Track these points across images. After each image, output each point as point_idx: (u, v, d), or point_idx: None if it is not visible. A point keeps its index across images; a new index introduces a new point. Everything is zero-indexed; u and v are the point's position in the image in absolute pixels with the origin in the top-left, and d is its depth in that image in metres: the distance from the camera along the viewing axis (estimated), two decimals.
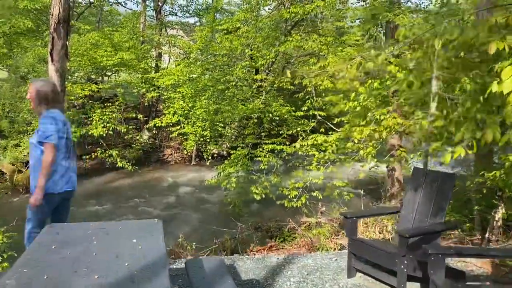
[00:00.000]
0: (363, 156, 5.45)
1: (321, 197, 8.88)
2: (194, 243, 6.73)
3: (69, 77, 15.36)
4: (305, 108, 9.78)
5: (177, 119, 12.87)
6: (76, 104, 14.37)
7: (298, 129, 10.46)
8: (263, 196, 9.27)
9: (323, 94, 11.69)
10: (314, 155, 8.54)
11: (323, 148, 6.81)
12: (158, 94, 14.01)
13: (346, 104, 4.50)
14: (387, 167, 7.39)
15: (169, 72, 13.50)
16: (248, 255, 5.34)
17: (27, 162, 12.00)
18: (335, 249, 5.29)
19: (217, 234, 7.96)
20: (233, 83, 10.97)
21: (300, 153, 9.20)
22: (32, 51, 13.20)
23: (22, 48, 14.88)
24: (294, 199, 8.87)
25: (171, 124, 13.87)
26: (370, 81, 3.55)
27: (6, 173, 11.97)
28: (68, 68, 13.67)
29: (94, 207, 10.12)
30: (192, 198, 10.83)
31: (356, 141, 5.21)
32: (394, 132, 5.32)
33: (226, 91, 11.25)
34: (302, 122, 10.30)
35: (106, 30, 14.35)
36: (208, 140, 13.01)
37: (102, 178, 13.24)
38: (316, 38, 9.84)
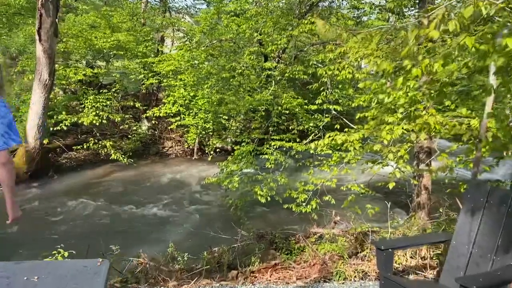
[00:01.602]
0: (394, 161, 4.50)
1: (334, 202, 7.98)
2: (186, 254, 5.87)
3: (68, 61, 14.56)
4: (318, 101, 8.83)
5: (177, 109, 11.98)
6: (68, 89, 13.57)
7: (310, 124, 9.54)
8: (269, 198, 8.39)
9: (340, 86, 10.74)
10: (330, 154, 7.62)
11: (344, 148, 5.86)
12: (157, 81, 13.11)
13: (390, 94, 3.53)
14: (413, 172, 6.41)
15: (169, 57, 12.58)
16: (247, 283, 4.44)
17: (14, 150, 11.21)
18: (355, 277, 4.37)
19: (214, 242, 7.08)
20: (239, 70, 10.03)
21: (311, 152, 8.29)
22: (22, 30, 12.35)
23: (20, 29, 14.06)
24: (303, 203, 8.02)
25: (172, 115, 13.00)
26: (427, 60, 2.63)
27: None
28: (62, 50, 12.84)
29: (78, 204, 9.31)
30: (190, 197, 9.96)
31: (385, 142, 4.25)
32: (433, 133, 4.36)
33: (231, 80, 10.32)
34: (315, 117, 9.35)
35: (104, 10, 13.44)
36: (211, 133, 12.11)
37: (94, 171, 12.44)
38: (334, 21, 8.89)
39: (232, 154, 9.78)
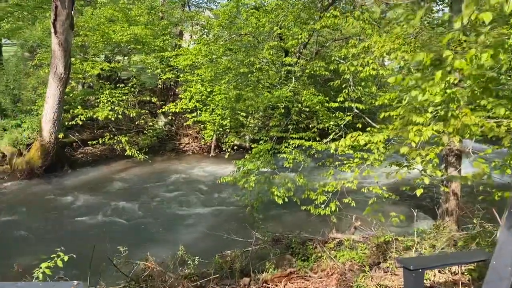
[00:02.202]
0: (422, 165, 4.11)
1: (354, 204, 7.60)
2: (197, 258, 5.62)
3: (86, 55, 14.52)
4: (340, 98, 8.44)
5: (194, 105, 11.75)
6: (85, 83, 13.54)
7: (331, 123, 9.15)
8: (286, 199, 8.07)
9: (363, 83, 10.31)
10: (351, 154, 7.25)
11: (366, 148, 5.49)
12: (174, 75, 12.91)
13: (425, 90, 3.14)
14: (442, 175, 5.97)
15: (186, 52, 12.35)
16: None
17: (29, 144, 11.21)
18: None
19: (227, 245, 6.83)
20: (258, 65, 9.71)
21: (332, 151, 7.93)
22: (40, 23, 12.32)
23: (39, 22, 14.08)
24: (322, 206, 7.67)
25: (189, 110, 12.80)
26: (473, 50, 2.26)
27: (6, 156, 11.22)
28: (80, 43, 12.77)
29: (90, 200, 9.20)
30: (205, 196, 9.73)
31: (413, 144, 3.87)
32: (467, 136, 3.96)
33: (249, 75, 10.01)
34: (336, 115, 8.96)
35: (122, 3, 13.31)
36: (228, 130, 11.85)
37: (109, 166, 12.36)
38: (358, 15, 8.46)
39: (249, 152, 9.49)
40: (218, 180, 8.42)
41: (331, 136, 9.01)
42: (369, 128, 7.66)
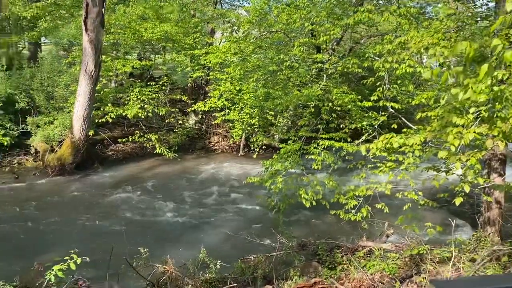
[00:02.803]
0: (462, 170, 3.72)
1: (387, 210, 7.19)
2: (218, 261, 5.43)
3: (117, 53, 14.69)
4: (374, 97, 8.02)
5: (222, 104, 11.60)
6: (117, 81, 13.67)
7: (364, 123, 8.73)
8: (314, 203, 7.71)
9: (399, 82, 9.82)
10: (385, 156, 6.85)
11: (401, 150, 5.12)
12: (203, 74, 12.82)
13: (468, 88, 2.75)
14: (484, 183, 5.51)
15: (215, 49, 12.21)
16: None
17: (61, 141, 11.41)
18: None
19: (250, 248, 6.61)
20: (288, 63, 9.41)
21: (363, 153, 7.57)
22: (74, 21, 12.53)
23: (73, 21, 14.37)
24: (353, 211, 7.31)
25: (218, 109, 12.67)
26: None
27: (39, 152, 11.46)
28: (112, 41, 12.89)
29: (117, 197, 9.21)
30: (231, 196, 9.55)
31: (453, 148, 3.50)
32: None
33: (278, 73, 9.73)
34: (370, 114, 8.54)
35: (153, 1, 13.33)
36: (256, 130, 11.62)
37: (139, 164, 12.42)
38: (395, 9, 8.02)
39: (278, 152, 9.20)
40: (245, 180, 8.19)
41: (363, 137, 8.60)
42: (405, 129, 7.23)
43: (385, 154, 7.35)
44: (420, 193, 6.78)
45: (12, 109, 11.50)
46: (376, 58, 9.28)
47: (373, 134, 8.60)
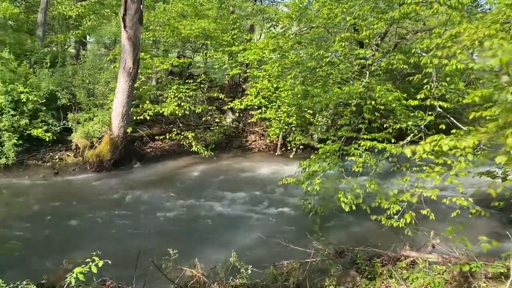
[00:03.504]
0: None
1: (433, 217, 6.67)
2: (250, 266, 5.18)
3: (157, 50, 14.81)
4: (421, 95, 7.49)
5: (259, 102, 11.35)
6: (157, 78, 13.75)
7: (409, 123, 8.21)
8: (353, 207, 7.29)
9: (447, 79, 9.20)
10: (433, 160, 6.35)
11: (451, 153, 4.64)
12: (240, 71, 12.62)
13: None
14: None
15: (253, 46, 11.98)
16: None
17: (101, 137, 11.58)
18: None
19: (283, 253, 6.31)
20: (328, 59, 9.01)
21: (409, 156, 7.07)
22: (115, 18, 12.70)
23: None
24: (395, 216, 6.85)
25: (255, 107, 12.46)
26: None
27: (80, 148, 11.70)
28: (152, 39, 12.96)
29: (151, 196, 9.19)
30: (266, 197, 9.30)
31: None
32: None
33: (318, 70, 9.35)
34: (416, 114, 8.00)
35: None
36: (294, 129, 11.28)
37: (176, 161, 12.42)
38: (444, 0, 7.44)
39: (316, 152, 8.83)
40: (280, 181, 7.88)
41: (408, 138, 8.07)
42: (454, 130, 6.68)
43: (432, 157, 6.84)
44: (470, 199, 6.24)
45: (54, 105, 11.79)
46: (423, 54, 8.71)
47: (419, 135, 8.06)
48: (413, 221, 6.67)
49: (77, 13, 15.10)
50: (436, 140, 4.08)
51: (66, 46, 18.55)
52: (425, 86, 7.60)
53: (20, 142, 10.57)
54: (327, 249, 5.93)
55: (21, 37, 13.61)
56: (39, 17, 14.41)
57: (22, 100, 10.74)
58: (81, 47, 16.67)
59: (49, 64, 12.15)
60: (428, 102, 7.86)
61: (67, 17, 16.21)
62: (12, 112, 10.60)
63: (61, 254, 6.23)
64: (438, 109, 7.93)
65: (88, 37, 18.47)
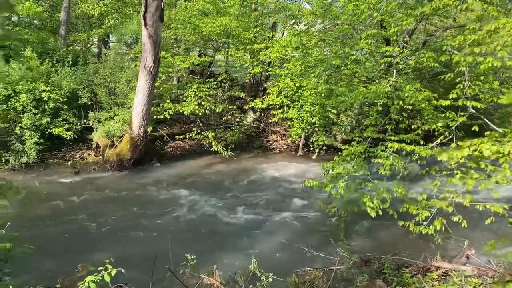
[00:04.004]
0: None
1: (465, 225, 6.30)
2: (271, 274, 4.94)
3: (178, 49, 14.71)
4: (453, 95, 7.09)
5: (281, 101, 11.08)
6: (176, 77, 13.63)
7: (439, 124, 7.79)
8: (380, 212, 6.95)
9: (482, 78, 8.73)
10: (465, 164, 5.97)
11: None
12: (262, 69, 12.36)
13: None
14: None
15: (275, 43, 11.70)
16: None
17: (122, 136, 11.53)
18: None
19: (306, 260, 6.05)
20: (354, 57, 8.67)
21: (441, 159, 6.70)
22: (136, 17, 12.63)
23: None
24: (424, 223, 6.50)
25: (277, 107, 12.19)
26: None
27: (101, 147, 11.68)
28: (173, 38, 12.83)
29: (170, 197, 9.06)
30: (287, 200, 9.02)
31: None
32: None
33: (342, 68, 9.01)
34: (447, 115, 7.58)
35: None
36: (317, 129, 10.96)
37: (196, 161, 12.29)
38: None
39: (340, 153, 8.49)
40: (302, 183, 7.59)
41: (438, 140, 7.68)
42: (488, 133, 6.28)
43: (470, 162, 6.45)
44: (505, 205, 5.85)
45: (75, 104, 11.81)
46: (455, 51, 8.28)
47: (449, 137, 7.66)
48: (443, 228, 6.32)
49: (99, 11, 15.14)
50: (475, 144, 3.74)
51: (89, 45, 18.68)
52: (458, 85, 7.20)
53: (42, 140, 10.60)
54: (353, 257, 5.64)
55: (40, 36, 13.68)
56: (61, 15, 14.48)
57: (44, 99, 10.78)
58: (104, 46, 16.72)
59: (70, 62, 12.18)
60: (460, 102, 7.46)
61: (89, 16, 16.28)
62: (34, 111, 10.65)
63: (78, 256, 6.13)
64: (471, 109, 7.52)
65: (110, 36, 18.54)
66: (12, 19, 16.65)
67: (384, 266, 5.53)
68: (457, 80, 7.46)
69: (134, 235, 7.08)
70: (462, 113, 7.69)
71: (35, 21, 16.88)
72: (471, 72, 7.83)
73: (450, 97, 7.25)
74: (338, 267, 5.61)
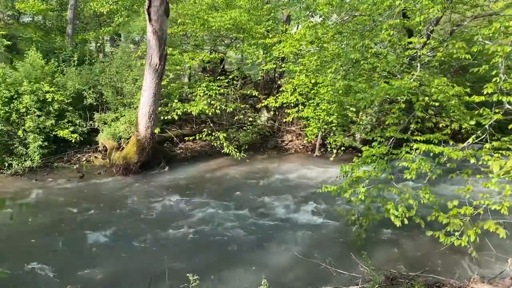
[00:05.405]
0: None
1: (504, 235, 5.60)
2: None
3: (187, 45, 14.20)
4: (488, 90, 6.37)
5: (295, 99, 10.43)
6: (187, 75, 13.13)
7: (471, 122, 7.07)
8: (406, 221, 6.28)
9: None
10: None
11: None
12: (275, 65, 11.73)
13: None
14: None
15: (288, 37, 11.05)
16: None
17: (128, 138, 11.07)
18: None
19: (323, 278, 5.43)
20: (373, 50, 7.99)
21: (477, 162, 6.04)
22: (143, 13, 12.12)
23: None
24: (456, 233, 5.85)
25: (292, 105, 11.54)
26: None
27: (108, 149, 11.24)
28: (182, 33, 12.32)
29: (177, 203, 8.54)
30: (302, 206, 8.40)
31: None
32: None
33: (362, 62, 8.33)
34: (479, 112, 6.84)
35: None
36: (334, 128, 10.29)
37: (206, 164, 11.75)
38: None
39: (359, 155, 7.80)
40: (319, 189, 6.95)
41: (470, 140, 6.94)
42: None
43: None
44: None
45: (81, 105, 11.41)
46: (487, 41, 7.53)
47: (482, 137, 6.93)
48: (477, 239, 5.65)
49: (108, 9, 14.74)
50: None
51: (98, 44, 18.36)
52: (494, 79, 6.46)
53: (46, 143, 10.22)
54: (378, 276, 4.99)
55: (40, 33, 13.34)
56: (68, 14, 14.14)
57: (48, 100, 10.39)
58: (112, 45, 16.34)
59: (76, 62, 11.78)
60: (494, 98, 6.70)
61: (98, 14, 15.92)
62: (38, 113, 10.27)
63: (73, 271, 5.66)
64: (507, 106, 6.77)
65: (121, 35, 18.19)
66: (26, 19, 16.51)
67: (412, 286, 4.87)
68: (494, 73, 6.72)
69: (135, 249, 6.56)
70: (496, 110, 6.94)
71: (46, 22, 16.67)
72: (506, 65, 7.10)
73: (485, 92, 6.52)
74: (361, 286, 4.98)
